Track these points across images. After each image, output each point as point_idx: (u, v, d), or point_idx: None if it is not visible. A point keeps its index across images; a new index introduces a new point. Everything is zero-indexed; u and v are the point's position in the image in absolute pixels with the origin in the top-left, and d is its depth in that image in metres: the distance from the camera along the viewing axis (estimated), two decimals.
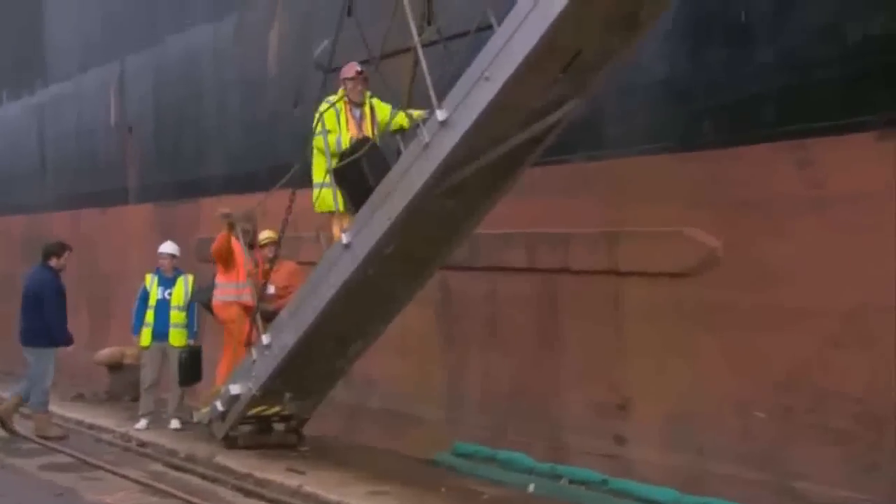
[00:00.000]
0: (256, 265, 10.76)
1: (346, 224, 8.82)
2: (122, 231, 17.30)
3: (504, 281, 9.98)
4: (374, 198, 8.43)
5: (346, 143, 9.07)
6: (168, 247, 12.60)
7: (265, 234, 10.93)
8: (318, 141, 9.28)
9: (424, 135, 7.62)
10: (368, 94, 9.43)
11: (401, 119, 9.14)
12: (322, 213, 9.41)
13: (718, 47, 8.18)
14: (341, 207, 9.04)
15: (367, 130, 9.32)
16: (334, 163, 8.99)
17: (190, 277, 12.36)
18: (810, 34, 7.56)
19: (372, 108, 9.43)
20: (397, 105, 9.33)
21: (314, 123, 9.27)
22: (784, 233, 7.70)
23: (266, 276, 10.49)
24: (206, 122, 15.17)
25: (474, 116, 7.16)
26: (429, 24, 8.96)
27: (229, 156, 14.53)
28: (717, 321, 8.10)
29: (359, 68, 9.21)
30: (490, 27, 7.09)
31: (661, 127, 8.61)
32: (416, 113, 8.69)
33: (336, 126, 9.24)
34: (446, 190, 7.91)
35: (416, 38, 7.95)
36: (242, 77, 14.25)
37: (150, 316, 12.27)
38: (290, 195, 9.84)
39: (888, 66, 7.06)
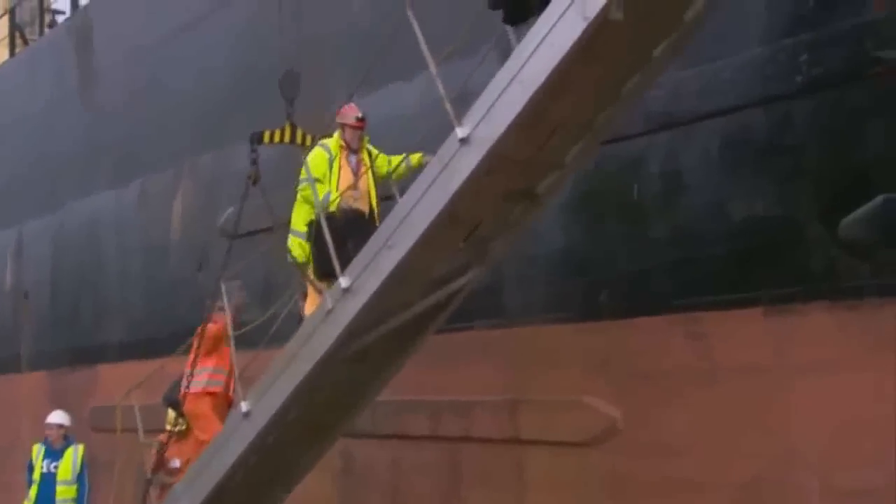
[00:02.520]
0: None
1: (317, 288, 7.93)
2: (12, 400, 16.75)
3: (407, 449, 9.89)
4: (275, 364, 8.36)
5: (333, 203, 8.01)
6: (56, 416, 11.82)
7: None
8: (305, 189, 8.20)
9: (328, 301, 7.66)
10: (367, 139, 8.52)
11: (402, 169, 8.19)
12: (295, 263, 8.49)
13: (614, 221, 8.50)
14: (309, 261, 8.23)
15: (367, 181, 8.28)
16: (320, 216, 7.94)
17: (80, 448, 11.66)
18: (700, 212, 7.92)
19: (370, 155, 8.44)
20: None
21: (302, 169, 8.25)
22: (679, 404, 7.85)
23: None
24: (106, 288, 15.00)
25: (378, 283, 7.24)
26: None
27: (129, 321, 14.33)
28: (618, 491, 8.12)
29: (360, 115, 8.34)
30: (391, 198, 7.27)
31: (561, 296, 8.82)
32: (416, 157, 8.01)
33: (327, 174, 8.20)
34: (350, 356, 7.90)
35: (318, 206, 8.05)
36: (145, 242, 14.21)
37: (33, 491, 11.34)
38: (189, 364, 9.69)
39: (771, 246, 7.42)
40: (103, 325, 14.99)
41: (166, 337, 11.90)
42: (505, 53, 6.42)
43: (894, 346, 6.72)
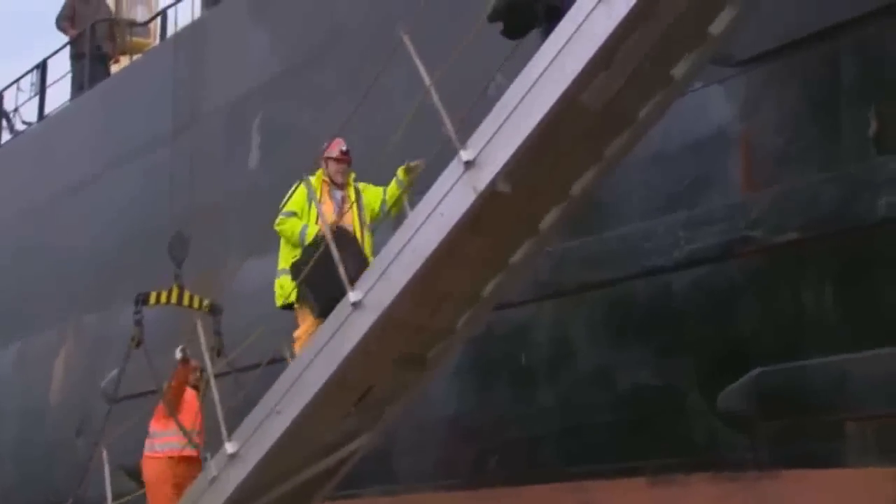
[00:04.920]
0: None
1: (312, 327, 7.31)
2: None
3: None
4: None
5: (310, 236, 7.40)
6: None
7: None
8: (281, 223, 7.62)
9: (212, 468, 7.47)
10: (353, 175, 7.88)
11: (393, 190, 7.58)
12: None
13: (502, 387, 8.58)
14: (293, 298, 7.57)
15: (352, 217, 7.64)
16: (298, 254, 7.47)
17: None
18: (586, 380, 8.06)
19: (358, 192, 7.80)
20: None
21: (283, 202, 7.69)
22: None
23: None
24: None
25: (265, 450, 7.11)
26: (218, 355, 8.99)
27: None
28: None
29: (344, 148, 7.73)
30: (283, 359, 7.23)
31: (450, 463, 8.78)
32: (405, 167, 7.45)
33: (305, 208, 7.60)
34: None
35: (208, 368, 7.96)
36: (21, 406, 13.73)
37: None
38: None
39: (655, 415, 7.56)
40: None
41: None
42: (398, 220, 6.58)
43: None
